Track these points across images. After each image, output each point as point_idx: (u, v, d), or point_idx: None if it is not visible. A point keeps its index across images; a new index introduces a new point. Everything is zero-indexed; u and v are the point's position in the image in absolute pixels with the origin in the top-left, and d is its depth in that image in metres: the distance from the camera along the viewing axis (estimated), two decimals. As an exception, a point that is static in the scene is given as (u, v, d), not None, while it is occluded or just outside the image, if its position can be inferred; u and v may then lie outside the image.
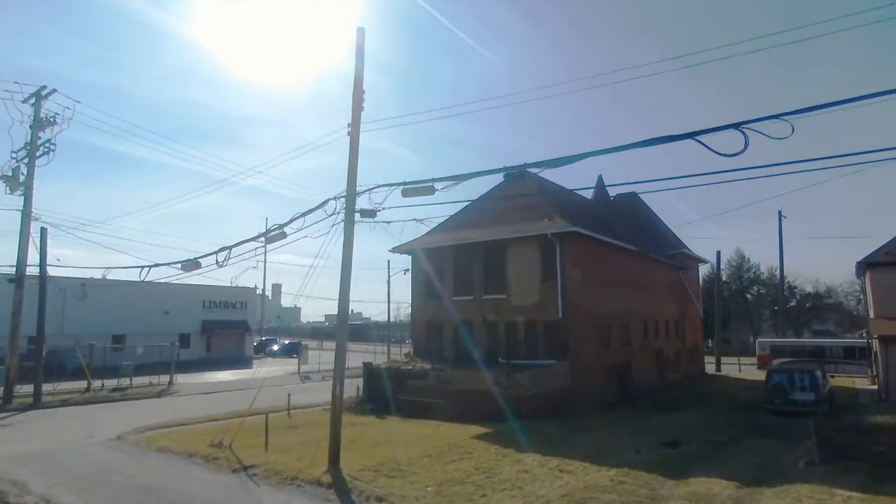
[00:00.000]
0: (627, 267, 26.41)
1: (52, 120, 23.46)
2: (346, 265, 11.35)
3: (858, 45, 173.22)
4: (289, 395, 20.31)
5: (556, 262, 21.24)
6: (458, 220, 25.94)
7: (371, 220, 11.63)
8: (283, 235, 13.47)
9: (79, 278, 40.85)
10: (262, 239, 13.84)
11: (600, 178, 40.73)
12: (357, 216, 11.86)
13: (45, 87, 23.35)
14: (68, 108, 23.80)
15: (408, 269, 29.00)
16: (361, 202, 12.12)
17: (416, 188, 10.96)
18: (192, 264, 15.57)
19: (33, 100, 23.43)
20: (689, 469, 11.99)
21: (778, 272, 55.14)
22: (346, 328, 11.16)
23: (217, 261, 15.49)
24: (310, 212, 12.97)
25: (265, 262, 68.74)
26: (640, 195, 39.86)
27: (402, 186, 11.18)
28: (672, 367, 31.77)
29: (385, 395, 20.97)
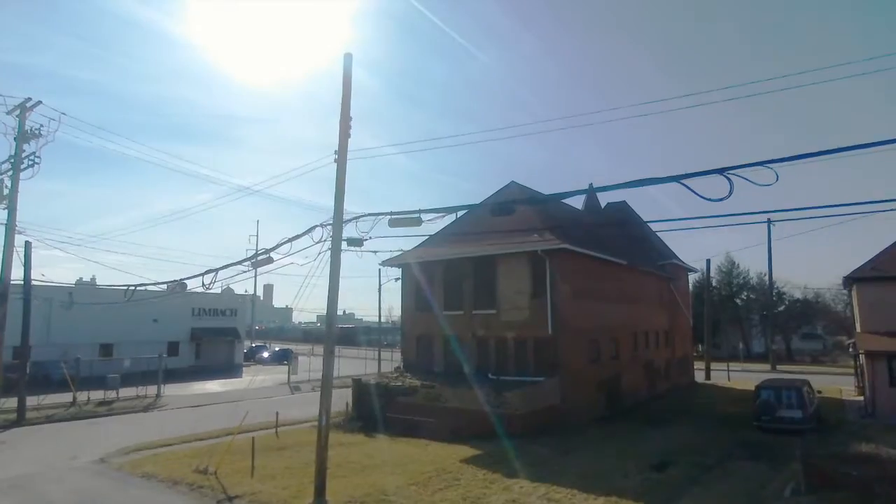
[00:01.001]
0: (617, 280, 26.46)
1: (37, 132, 23.12)
2: (332, 294, 11.24)
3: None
4: (277, 413, 20.11)
5: (546, 279, 21.24)
6: (448, 232, 25.87)
7: (358, 248, 11.54)
8: (270, 260, 13.35)
9: (66, 286, 40.47)
10: (249, 263, 13.69)
11: (591, 185, 40.83)
12: (343, 244, 11.76)
13: (29, 98, 23.02)
14: (53, 119, 23.52)
15: (398, 278, 29.01)
16: (348, 230, 12.03)
17: (402, 219, 10.88)
18: (177, 286, 15.38)
19: (18, 111, 23.11)
20: (676, 497, 12.01)
21: (767, 277, 55.73)
22: (332, 360, 11.04)
23: (203, 283, 15.31)
24: (297, 237, 12.88)
25: (256, 263, 68.12)
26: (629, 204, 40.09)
27: (389, 216, 11.10)
28: (662, 377, 31.88)
29: (374, 411, 20.86)
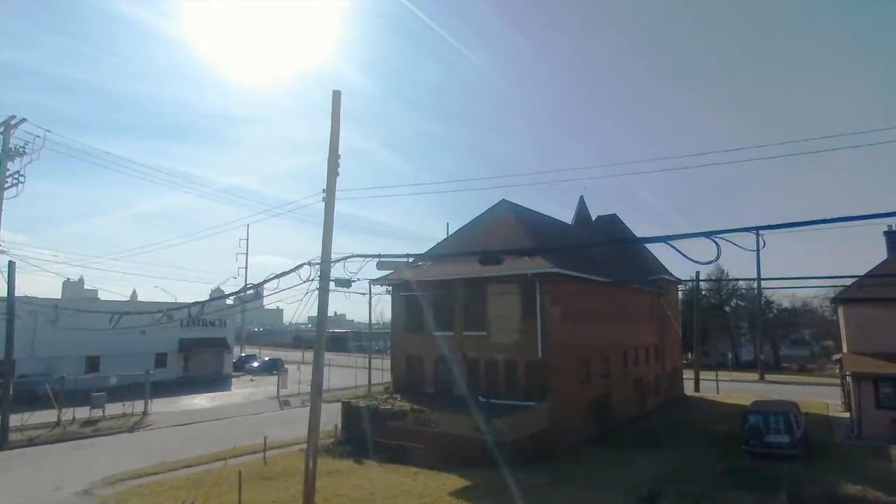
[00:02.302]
0: (607, 299, 26.51)
1: (21, 150, 22.81)
2: (320, 336, 11.14)
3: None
4: (265, 439, 19.90)
5: (536, 302, 21.24)
6: (439, 251, 25.85)
7: (346, 289, 11.44)
8: (259, 296, 13.20)
9: (52, 299, 39.98)
10: (235, 298, 13.52)
11: (581, 198, 41.06)
12: (332, 284, 11.65)
13: (13, 116, 22.73)
14: (38, 136, 23.23)
15: (390, 289, 28.98)
16: (337, 269, 11.92)
17: (391, 262, 10.80)
18: (165, 318, 15.19)
19: (1, 129, 22.78)
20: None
21: (756, 286, 56.23)
22: (319, 406, 10.91)
23: (190, 313, 15.14)
24: (284, 274, 12.75)
25: (246, 267, 67.11)
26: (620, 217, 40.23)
27: (377, 259, 11.02)
28: (652, 392, 32.00)
29: (364, 435, 20.71)
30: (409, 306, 24.98)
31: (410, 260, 10.62)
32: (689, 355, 51.35)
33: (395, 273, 26.21)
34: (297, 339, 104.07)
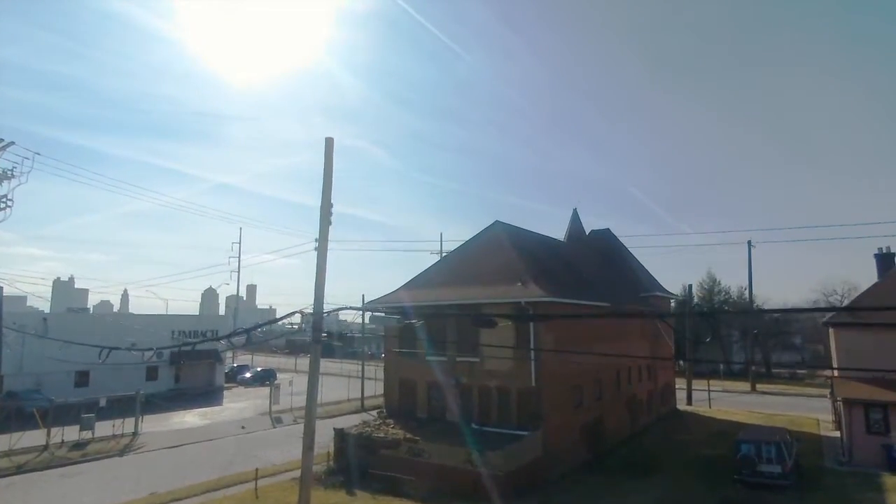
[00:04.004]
0: (600, 322, 26.49)
1: (9, 174, 22.51)
2: (311, 399, 11.00)
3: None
4: (256, 470, 19.74)
5: (530, 329, 21.20)
6: (432, 274, 25.75)
7: (338, 343, 11.31)
8: (249, 341, 13.05)
9: (40, 311, 39.52)
10: (227, 341, 13.38)
11: (575, 212, 41.06)
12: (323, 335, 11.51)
13: (1, 140, 22.43)
14: (27, 158, 22.97)
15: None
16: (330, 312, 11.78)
17: (385, 316, 10.71)
18: (152, 354, 14.98)
19: (-11, 152, 22.45)
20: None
21: (747, 292, 56.53)
22: (311, 461, 10.78)
23: (179, 350, 14.90)
24: (276, 321, 12.60)
25: (238, 268, 66.24)
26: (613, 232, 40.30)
27: (369, 312, 10.92)
28: (644, 410, 32.06)
29: (356, 464, 20.60)
30: (402, 330, 24.85)
31: (404, 305, 10.50)
32: (682, 363, 51.52)
33: (389, 297, 26.15)
34: (291, 343, 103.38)
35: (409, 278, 25.72)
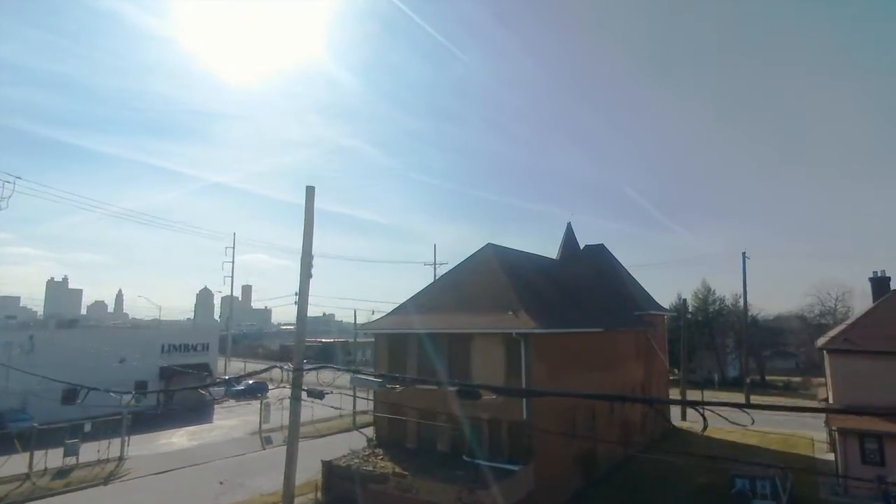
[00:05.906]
0: (594, 346, 26.16)
1: (-12, 199, 21.98)
2: (292, 457, 10.60)
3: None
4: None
5: (521, 359, 20.82)
6: (423, 299, 25.39)
7: (319, 400, 10.91)
8: (232, 387, 12.60)
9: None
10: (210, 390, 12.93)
11: (569, 226, 40.77)
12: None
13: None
14: (8, 181, 22.52)
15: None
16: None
17: (364, 382, 10.31)
18: (140, 395, 14.53)
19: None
20: None
21: (742, 301, 56.23)
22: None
23: (167, 392, 14.46)
24: (257, 373, 12.20)
25: (233, 268, 65.30)
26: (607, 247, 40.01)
27: (351, 374, 10.52)
28: (638, 431, 31.72)
29: (344, 497, 20.20)
30: (392, 357, 24.47)
31: (386, 378, 10.12)
32: (676, 371, 51.22)
33: (378, 322, 25.76)
34: (284, 348, 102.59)
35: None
